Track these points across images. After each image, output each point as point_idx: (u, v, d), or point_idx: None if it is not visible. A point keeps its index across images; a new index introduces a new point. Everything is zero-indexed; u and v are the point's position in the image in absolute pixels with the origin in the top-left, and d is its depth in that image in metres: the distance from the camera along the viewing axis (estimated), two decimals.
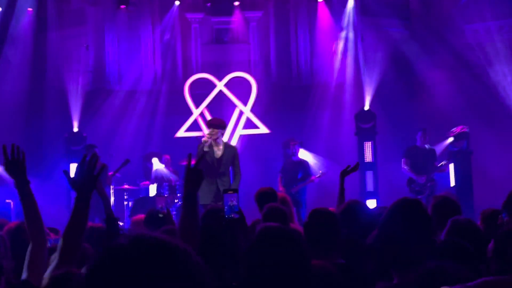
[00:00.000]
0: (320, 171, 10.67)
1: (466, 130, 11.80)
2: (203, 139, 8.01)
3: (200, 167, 3.00)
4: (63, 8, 13.69)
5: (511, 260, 3.19)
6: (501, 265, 3.38)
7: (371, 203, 10.45)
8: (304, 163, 10.72)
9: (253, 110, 12.84)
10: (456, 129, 11.83)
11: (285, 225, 3.89)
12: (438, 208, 4.36)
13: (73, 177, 2.83)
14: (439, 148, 11.82)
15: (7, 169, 3.09)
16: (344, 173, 5.39)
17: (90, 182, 2.82)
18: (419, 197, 9.86)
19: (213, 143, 7.93)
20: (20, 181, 3.07)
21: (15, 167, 3.07)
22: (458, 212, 4.30)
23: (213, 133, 7.91)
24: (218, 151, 7.99)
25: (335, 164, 12.75)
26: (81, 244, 2.84)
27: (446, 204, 4.40)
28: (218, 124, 8.08)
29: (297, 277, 2.31)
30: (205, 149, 7.81)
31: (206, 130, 8.29)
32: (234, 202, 3.17)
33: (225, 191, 3.24)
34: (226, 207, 3.15)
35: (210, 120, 8.53)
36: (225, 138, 12.00)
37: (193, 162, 2.95)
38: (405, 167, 10.65)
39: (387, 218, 2.74)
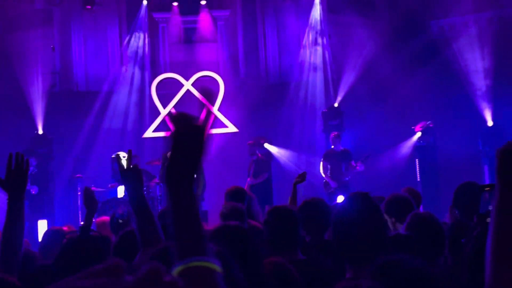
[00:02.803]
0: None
1: (431, 125, 12.00)
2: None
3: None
4: (27, 9, 13.49)
5: (462, 252, 3.25)
6: (455, 257, 3.45)
7: (340, 199, 10.52)
8: (256, 162, 10.99)
9: (221, 109, 12.82)
10: (420, 125, 12.01)
11: (243, 223, 3.90)
12: (390, 205, 4.42)
13: (3, 178, 2.71)
14: (407, 143, 12.04)
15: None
16: (296, 182, 5.91)
17: (21, 180, 2.72)
18: (334, 196, 10.34)
19: None
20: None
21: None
22: (411, 207, 4.35)
23: None
24: None
25: (306, 158, 12.85)
26: (22, 246, 2.71)
27: (397, 201, 4.47)
28: None
29: (250, 272, 2.34)
30: None
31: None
32: None
33: None
34: None
35: None
36: None
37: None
38: (321, 171, 10.88)
39: (339, 213, 2.77)
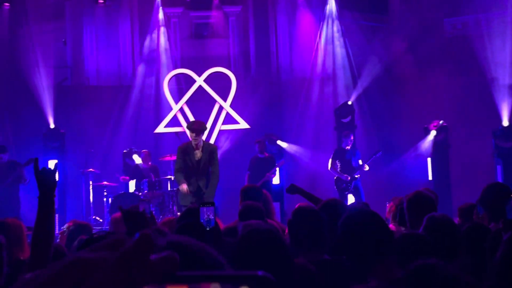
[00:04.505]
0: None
1: (445, 124, 11.94)
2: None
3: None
4: (40, 2, 13.50)
5: (480, 253, 3.24)
6: (471, 258, 3.43)
7: (350, 199, 10.52)
8: (268, 160, 10.98)
9: (232, 105, 12.81)
10: (434, 123, 11.97)
11: (262, 221, 3.90)
12: (413, 203, 4.40)
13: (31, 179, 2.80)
14: (425, 142, 12.04)
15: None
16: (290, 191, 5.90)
17: (50, 179, 2.80)
18: (345, 193, 10.64)
19: (194, 146, 8.01)
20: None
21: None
22: (433, 208, 4.33)
23: (197, 138, 7.98)
24: (198, 153, 8.02)
25: (316, 155, 12.84)
26: (52, 242, 2.78)
27: (421, 200, 4.45)
28: (200, 128, 8.12)
29: (280, 272, 2.35)
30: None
31: (189, 134, 8.30)
32: (211, 216, 3.15)
33: (203, 204, 3.21)
34: (202, 220, 3.13)
35: (192, 125, 8.37)
36: (204, 135, 11.99)
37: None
38: (330, 168, 10.97)
39: (346, 226, 2.80)
